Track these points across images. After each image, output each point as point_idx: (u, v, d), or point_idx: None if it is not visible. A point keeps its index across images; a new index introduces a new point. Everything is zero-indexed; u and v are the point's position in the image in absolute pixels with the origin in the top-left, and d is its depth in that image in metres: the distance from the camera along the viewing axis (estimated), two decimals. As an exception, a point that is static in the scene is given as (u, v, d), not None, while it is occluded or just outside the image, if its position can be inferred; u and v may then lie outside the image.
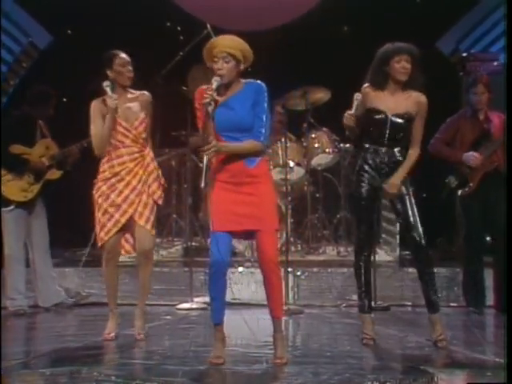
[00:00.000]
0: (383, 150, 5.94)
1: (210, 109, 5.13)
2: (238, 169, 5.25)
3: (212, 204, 5.28)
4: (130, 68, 6.14)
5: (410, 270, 7.95)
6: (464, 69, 9.43)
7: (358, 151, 6.04)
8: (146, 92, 6.25)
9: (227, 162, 5.25)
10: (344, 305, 7.71)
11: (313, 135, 8.85)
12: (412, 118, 5.92)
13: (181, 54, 8.47)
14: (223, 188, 5.25)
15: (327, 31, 9.82)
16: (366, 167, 5.95)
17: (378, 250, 8.17)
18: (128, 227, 6.12)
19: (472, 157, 7.15)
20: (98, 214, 6.06)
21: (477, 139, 7.23)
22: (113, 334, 6.14)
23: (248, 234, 5.36)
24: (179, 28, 10.08)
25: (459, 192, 7.26)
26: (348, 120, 5.89)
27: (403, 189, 5.94)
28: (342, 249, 8.94)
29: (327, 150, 8.83)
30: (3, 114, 8.20)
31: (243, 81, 5.33)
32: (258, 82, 5.32)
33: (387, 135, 5.92)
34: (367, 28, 9.54)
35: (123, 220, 6.05)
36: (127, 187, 6.06)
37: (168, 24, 10.15)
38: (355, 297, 7.77)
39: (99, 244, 6.12)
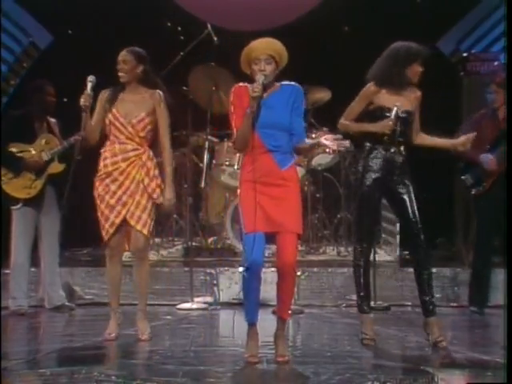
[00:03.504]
0: (392, 149, 5.90)
1: (255, 104, 5.23)
2: (269, 169, 5.32)
3: (242, 205, 5.34)
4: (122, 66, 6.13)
5: (410, 270, 7.95)
6: (464, 69, 9.43)
7: (363, 150, 5.98)
8: (157, 91, 6.18)
9: (259, 162, 5.30)
10: (344, 305, 7.71)
11: (313, 135, 8.84)
12: (413, 113, 5.93)
13: (181, 54, 8.47)
14: (252, 188, 5.28)
15: (327, 31, 9.80)
16: (375, 167, 5.89)
17: (377, 250, 8.16)
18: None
19: (487, 159, 7.14)
20: (98, 214, 6.11)
21: (496, 138, 7.21)
22: (114, 335, 6.13)
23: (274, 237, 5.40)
24: (179, 28, 10.07)
25: (473, 191, 7.25)
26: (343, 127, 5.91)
27: (406, 187, 5.91)
28: (342, 249, 8.93)
29: (327, 149, 8.82)
30: (3, 114, 8.18)
31: (278, 82, 5.48)
32: (295, 84, 5.49)
33: (398, 133, 5.88)
34: (367, 28, 9.53)
35: (118, 221, 6.06)
36: (120, 188, 6.06)
37: (168, 24, 10.14)
38: (355, 297, 7.81)
39: (105, 240, 6.12)
